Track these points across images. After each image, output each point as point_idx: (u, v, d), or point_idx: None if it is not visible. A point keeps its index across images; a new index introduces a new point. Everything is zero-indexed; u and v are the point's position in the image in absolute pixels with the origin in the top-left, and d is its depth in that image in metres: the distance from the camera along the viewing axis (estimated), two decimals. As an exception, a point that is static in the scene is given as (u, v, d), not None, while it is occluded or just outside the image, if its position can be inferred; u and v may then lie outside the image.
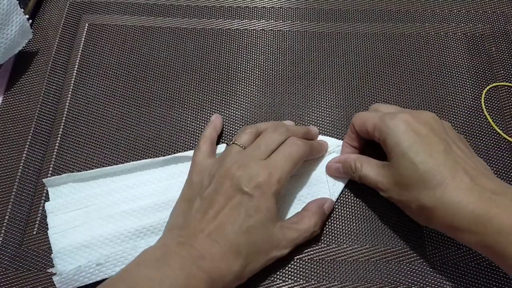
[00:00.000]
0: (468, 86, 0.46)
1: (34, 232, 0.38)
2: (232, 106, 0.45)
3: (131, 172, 0.41)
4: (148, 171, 0.41)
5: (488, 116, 0.44)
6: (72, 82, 0.46)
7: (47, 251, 0.38)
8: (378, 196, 0.40)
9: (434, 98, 0.45)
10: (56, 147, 0.42)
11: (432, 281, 0.36)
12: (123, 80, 0.46)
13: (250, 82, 0.46)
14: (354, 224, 0.39)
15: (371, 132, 0.36)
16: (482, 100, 0.45)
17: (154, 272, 0.30)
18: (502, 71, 0.46)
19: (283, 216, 0.38)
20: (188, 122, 0.44)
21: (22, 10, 0.44)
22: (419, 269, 0.36)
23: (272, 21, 0.50)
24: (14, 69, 0.47)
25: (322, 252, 0.37)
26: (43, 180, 0.39)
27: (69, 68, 0.47)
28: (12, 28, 0.44)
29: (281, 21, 0.50)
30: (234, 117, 0.44)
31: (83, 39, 0.48)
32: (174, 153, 0.42)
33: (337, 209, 0.39)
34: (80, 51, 0.48)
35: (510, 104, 0.44)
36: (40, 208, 0.39)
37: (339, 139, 0.42)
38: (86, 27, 0.49)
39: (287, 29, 0.49)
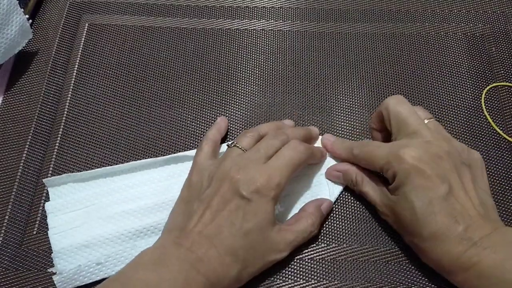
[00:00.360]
0: (468, 86, 0.46)
1: (34, 232, 0.38)
2: (232, 106, 0.45)
3: (131, 172, 0.41)
4: (148, 171, 0.41)
5: (488, 116, 0.44)
6: (72, 82, 0.46)
7: (47, 251, 0.38)
8: (378, 196, 0.39)
9: (434, 98, 0.45)
10: (56, 147, 0.42)
11: (432, 281, 0.36)
12: (123, 80, 0.46)
13: (250, 82, 0.46)
14: (354, 224, 0.39)
15: (380, 169, 0.36)
16: (482, 100, 0.45)
17: (152, 274, 0.30)
18: (502, 71, 0.46)
19: (283, 217, 0.38)
20: (188, 122, 0.44)
21: (22, 10, 0.44)
22: (419, 269, 0.36)
23: (272, 21, 0.50)
24: (14, 69, 0.47)
25: (323, 252, 0.37)
26: (43, 180, 0.39)
27: (69, 68, 0.47)
28: (12, 28, 0.44)
29: (281, 21, 0.50)
30: (234, 117, 0.44)
31: (83, 39, 0.48)
32: (174, 153, 0.42)
33: (337, 209, 0.39)
34: (80, 51, 0.48)
35: (510, 104, 0.45)
36: (40, 208, 0.39)
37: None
38: (86, 27, 0.49)
39: (287, 29, 0.49)
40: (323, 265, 0.37)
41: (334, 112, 0.44)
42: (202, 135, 0.43)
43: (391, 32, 0.49)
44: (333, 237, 0.38)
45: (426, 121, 0.37)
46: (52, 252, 0.37)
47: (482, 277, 0.30)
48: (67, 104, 0.45)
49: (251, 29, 0.49)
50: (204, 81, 0.46)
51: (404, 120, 0.36)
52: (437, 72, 0.46)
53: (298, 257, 0.37)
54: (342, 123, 0.44)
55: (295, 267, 0.37)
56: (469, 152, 0.36)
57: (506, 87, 0.45)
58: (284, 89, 0.46)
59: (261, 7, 0.51)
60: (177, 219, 0.35)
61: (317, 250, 0.37)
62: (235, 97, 0.45)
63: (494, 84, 0.45)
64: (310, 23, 0.50)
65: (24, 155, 0.42)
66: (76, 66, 0.47)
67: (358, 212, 0.39)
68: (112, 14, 0.50)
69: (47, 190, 0.40)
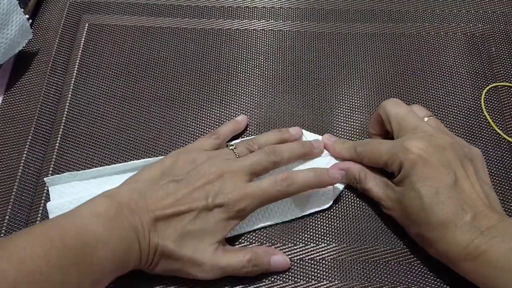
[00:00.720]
0: (468, 86, 0.46)
1: (34, 232, 0.38)
2: (232, 106, 0.45)
3: (132, 172, 0.40)
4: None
5: (488, 116, 0.44)
6: (72, 82, 0.46)
7: (47, 251, 0.38)
8: (378, 196, 0.39)
9: (434, 98, 0.45)
10: (56, 147, 0.42)
11: (432, 281, 0.36)
12: (123, 80, 0.46)
13: (250, 82, 0.46)
14: (354, 224, 0.39)
15: (384, 164, 0.36)
16: (482, 100, 0.45)
17: (104, 231, 0.30)
18: (502, 71, 0.46)
19: (281, 215, 0.38)
20: (188, 122, 0.44)
21: (22, 10, 0.44)
22: (419, 269, 0.36)
23: (272, 21, 0.50)
24: (14, 69, 0.47)
25: (323, 252, 0.37)
26: (44, 179, 0.39)
27: (69, 68, 0.47)
28: (12, 28, 0.44)
29: (281, 21, 0.50)
30: (234, 117, 0.44)
31: (83, 39, 0.48)
32: (174, 153, 0.42)
33: (337, 209, 0.39)
34: (80, 51, 0.48)
35: (510, 104, 0.45)
36: (41, 208, 0.39)
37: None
38: (86, 27, 0.49)
39: (287, 29, 0.49)
40: (323, 265, 0.37)
41: (334, 112, 0.44)
42: (202, 135, 0.43)
43: (391, 32, 0.49)
44: (333, 237, 0.38)
45: (426, 119, 0.37)
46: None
47: (489, 265, 0.30)
48: (67, 104, 0.45)
49: (251, 29, 0.49)
50: (204, 81, 0.46)
51: (404, 119, 0.36)
52: (437, 72, 0.46)
53: (298, 257, 0.37)
54: (342, 123, 0.44)
55: (295, 267, 0.37)
56: (469, 148, 0.37)
57: (506, 87, 0.46)
58: (284, 89, 0.46)
59: (261, 7, 0.51)
60: (144, 182, 0.35)
61: (317, 250, 0.37)
62: (235, 97, 0.45)
63: (494, 84, 0.45)
64: (310, 23, 0.50)
65: (24, 155, 0.42)
66: (76, 66, 0.47)
67: (358, 212, 0.39)
68: (112, 14, 0.50)
69: (48, 190, 0.40)
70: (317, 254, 0.37)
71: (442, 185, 0.32)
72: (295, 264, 0.37)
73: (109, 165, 0.41)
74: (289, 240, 0.38)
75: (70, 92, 0.45)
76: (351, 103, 0.45)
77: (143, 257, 0.32)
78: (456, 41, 0.48)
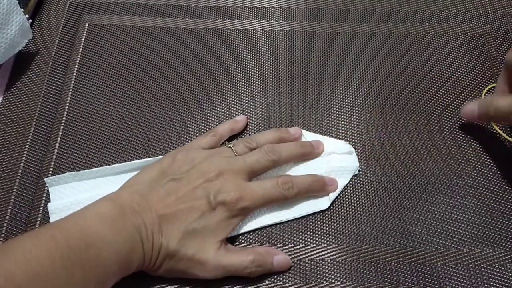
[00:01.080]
0: (468, 86, 0.46)
1: (35, 232, 0.39)
2: (232, 106, 0.45)
3: (132, 172, 0.41)
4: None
5: (488, 116, 0.44)
6: (72, 82, 0.46)
7: (47, 251, 0.38)
8: (378, 196, 0.40)
9: (434, 98, 0.45)
10: (57, 147, 0.42)
11: (432, 281, 0.36)
12: (123, 80, 0.46)
13: (250, 82, 0.46)
14: (354, 224, 0.39)
15: None
16: (482, 100, 0.45)
17: (108, 232, 0.31)
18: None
19: (280, 215, 0.38)
20: (188, 122, 0.44)
21: (22, 10, 0.44)
22: (419, 269, 0.36)
23: (272, 21, 0.50)
24: (14, 69, 0.47)
25: (323, 252, 0.37)
26: (45, 179, 0.39)
27: (69, 68, 0.47)
28: (12, 28, 0.44)
29: (281, 21, 0.50)
30: (234, 117, 0.44)
31: (83, 39, 0.48)
32: (174, 153, 0.42)
33: (337, 209, 0.39)
34: (80, 51, 0.48)
35: (510, 104, 0.45)
36: (41, 208, 0.39)
37: (338, 139, 0.42)
38: (86, 27, 0.49)
39: (287, 29, 0.49)
40: (323, 266, 0.37)
41: (334, 112, 0.44)
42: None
43: (391, 32, 0.49)
44: (333, 238, 0.38)
45: None
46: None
47: None
48: (67, 104, 0.45)
49: (251, 29, 0.49)
50: (204, 81, 0.46)
51: None
52: (437, 72, 0.46)
53: (298, 258, 0.37)
54: (342, 123, 0.44)
55: (296, 268, 0.37)
56: None
57: (506, 87, 0.45)
58: (284, 89, 0.46)
59: (261, 7, 0.51)
60: (144, 183, 0.35)
61: (317, 251, 0.37)
62: (235, 97, 0.45)
63: (494, 84, 0.45)
64: (310, 23, 0.50)
65: (24, 155, 0.42)
66: (76, 66, 0.47)
67: (358, 212, 0.39)
68: (112, 14, 0.50)
69: (48, 191, 0.40)
70: (317, 255, 0.37)
71: None
72: (295, 264, 0.37)
73: (109, 165, 0.41)
74: (289, 240, 0.38)
75: (70, 92, 0.45)
76: (351, 103, 0.45)
77: (147, 258, 0.32)
78: (456, 41, 0.48)
